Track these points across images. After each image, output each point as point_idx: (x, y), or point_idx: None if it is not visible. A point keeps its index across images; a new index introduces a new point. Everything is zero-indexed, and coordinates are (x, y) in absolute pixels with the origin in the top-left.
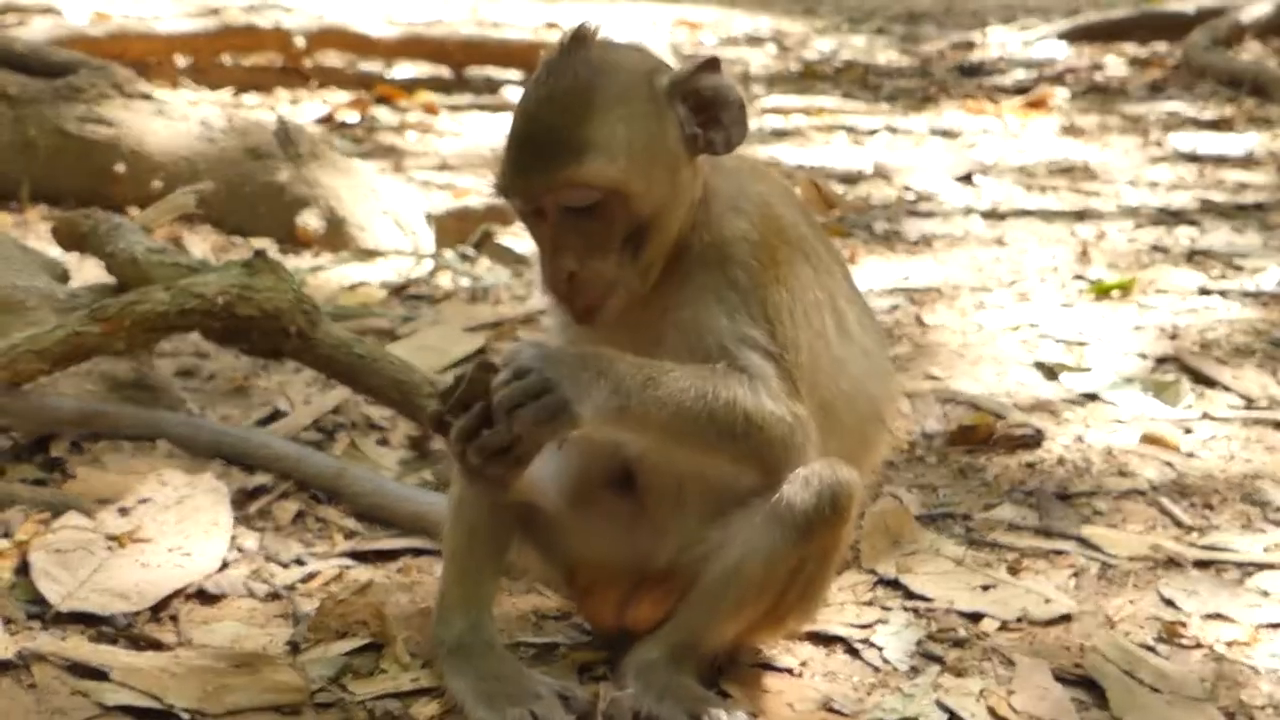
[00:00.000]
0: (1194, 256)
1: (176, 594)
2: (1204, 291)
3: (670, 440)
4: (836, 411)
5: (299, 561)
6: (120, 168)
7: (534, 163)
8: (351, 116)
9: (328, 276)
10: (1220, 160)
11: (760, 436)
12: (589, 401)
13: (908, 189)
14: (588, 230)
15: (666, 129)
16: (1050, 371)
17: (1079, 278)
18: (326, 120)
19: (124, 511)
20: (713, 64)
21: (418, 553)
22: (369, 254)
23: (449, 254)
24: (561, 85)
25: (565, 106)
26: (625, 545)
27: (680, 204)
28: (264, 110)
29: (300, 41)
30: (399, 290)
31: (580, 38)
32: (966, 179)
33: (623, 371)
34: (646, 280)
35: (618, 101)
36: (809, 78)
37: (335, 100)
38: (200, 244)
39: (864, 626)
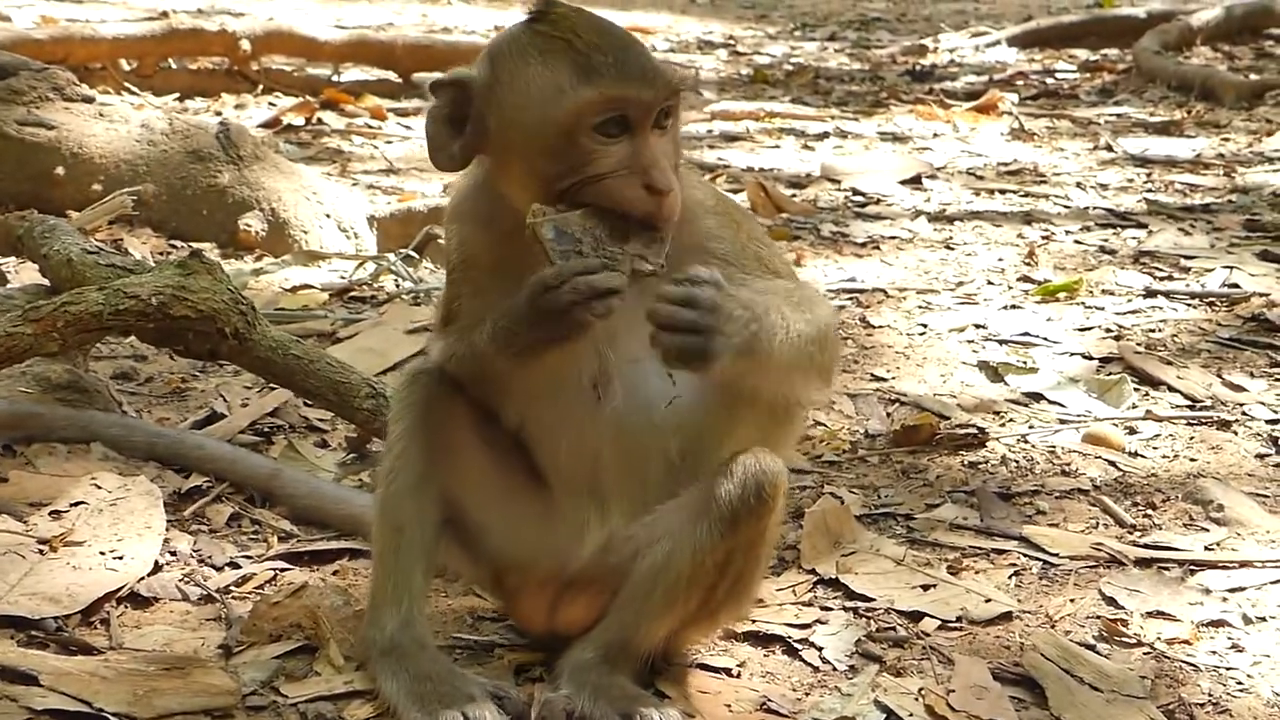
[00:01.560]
0: (1141, 258)
1: (108, 597)
2: (1150, 293)
3: (789, 373)
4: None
5: (233, 564)
6: (60, 171)
7: (651, 67)
8: (298, 120)
9: (270, 279)
10: (1169, 163)
11: (833, 346)
12: (732, 354)
13: (856, 192)
14: (665, 151)
15: None
16: (995, 372)
17: (1025, 279)
18: (273, 124)
19: (56, 515)
20: None
21: (353, 555)
22: (311, 257)
23: (391, 257)
24: (599, 19)
25: (631, 35)
26: (546, 546)
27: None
28: (210, 114)
29: (246, 45)
30: (341, 293)
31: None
32: (915, 182)
33: (770, 319)
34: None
35: None
36: (759, 82)
37: (282, 104)
38: (141, 247)
39: (803, 626)
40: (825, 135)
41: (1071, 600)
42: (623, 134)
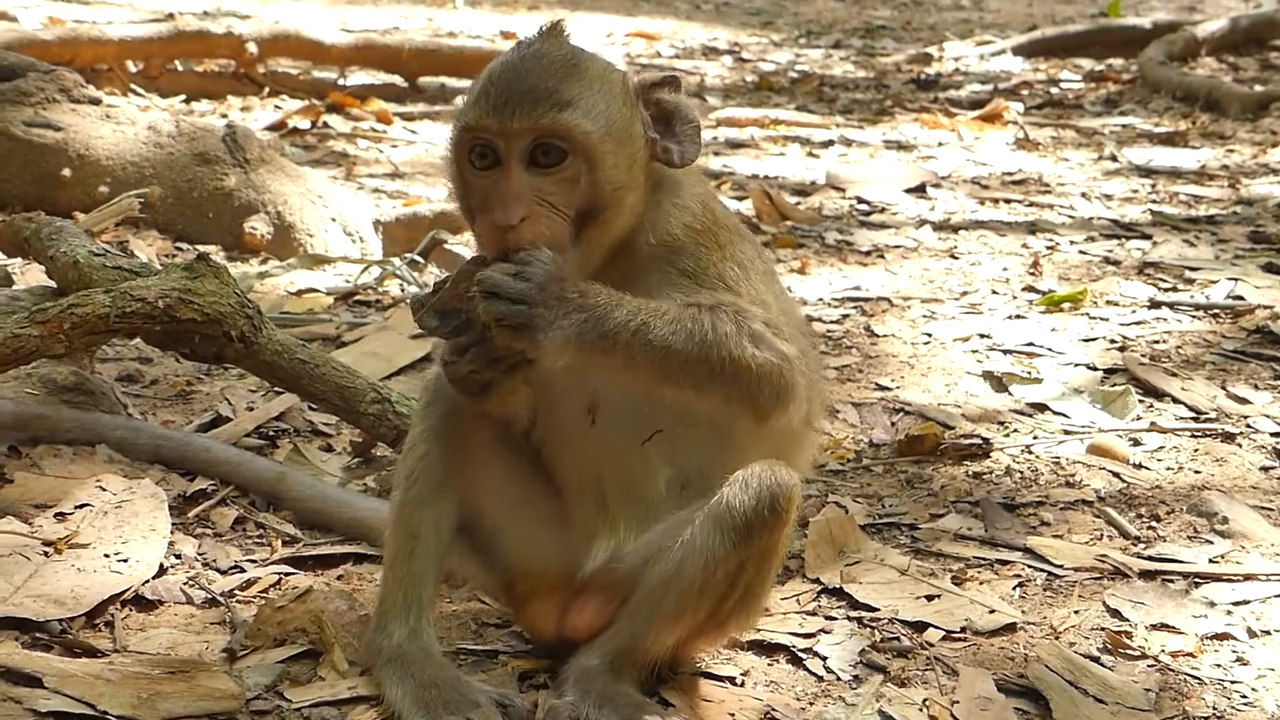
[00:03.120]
0: (1145, 269)
1: (112, 600)
2: (1154, 304)
3: (660, 380)
4: None
5: (238, 568)
6: (67, 172)
7: (517, 99)
8: (303, 124)
9: (275, 283)
10: (1173, 174)
11: (750, 376)
12: (558, 329)
13: (860, 200)
14: (544, 188)
15: (635, 121)
16: (999, 382)
17: (1030, 289)
18: (278, 127)
19: (61, 517)
20: (674, 82)
21: (358, 559)
22: (316, 260)
23: (397, 261)
24: (546, 49)
25: (552, 64)
26: (558, 554)
27: (632, 197)
28: (216, 117)
29: (253, 48)
30: (346, 297)
31: (556, 29)
32: (920, 191)
33: (608, 306)
34: (584, 266)
35: (598, 78)
36: (764, 90)
37: (287, 107)
38: (147, 249)
39: (807, 636)
40: (830, 143)
41: (1076, 612)
42: (494, 167)
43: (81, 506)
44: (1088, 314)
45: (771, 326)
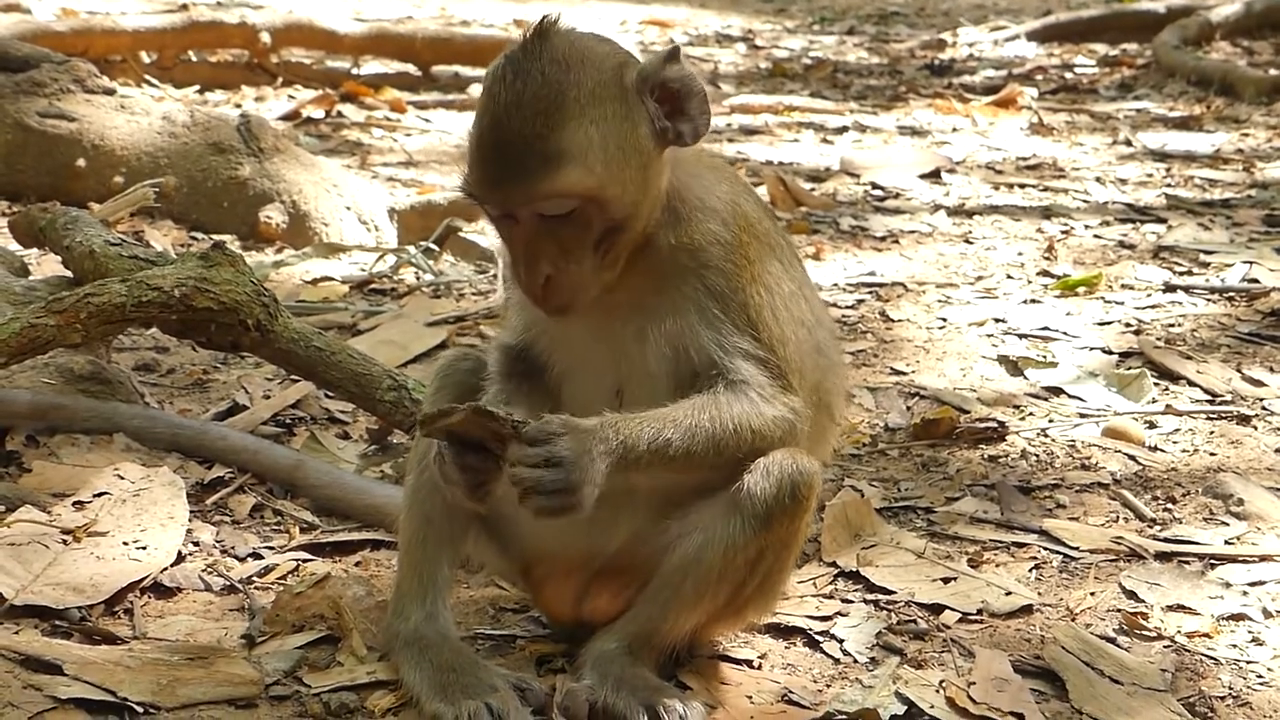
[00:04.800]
0: (1160, 253)
1: (131, 587)
2: (1170, 287)
3: (682, 472)
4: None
5: (255, 555)
6: (82, 163)
7: (508, 173)
8: (317, 113)
9: (290, 271)
10: (1188, 158)
11: (764, 444)
12: (596, 483)
13: (875, 186)
14: (562, 236)
15: (638, 125)
16: (1015, 366)
17: (1045, 274)
18: (292, 117)
19: (80, 505)
20: (674, 54)
21: (375, 546)
22: (332, 249)
23: (412, 249)
24: (530, 89)
25: (536, 112)
26: (578, 537)
27: (650, 199)
28: (230, 107)
29: (266, 38)
30: (361, 285)
31: (544, 32)
32: (934, 176)
33: (633, 437)
34: (614, 273)
35: (589, 102)
36: (778, 76)
37: (301, 97)
38: (162, 239)
39: (824, 619)
40: (844, 129)
41: (1092, 594)
42: (508, 218)
43: (100, 495)
44: (1103, 298)
45: (782, 380)
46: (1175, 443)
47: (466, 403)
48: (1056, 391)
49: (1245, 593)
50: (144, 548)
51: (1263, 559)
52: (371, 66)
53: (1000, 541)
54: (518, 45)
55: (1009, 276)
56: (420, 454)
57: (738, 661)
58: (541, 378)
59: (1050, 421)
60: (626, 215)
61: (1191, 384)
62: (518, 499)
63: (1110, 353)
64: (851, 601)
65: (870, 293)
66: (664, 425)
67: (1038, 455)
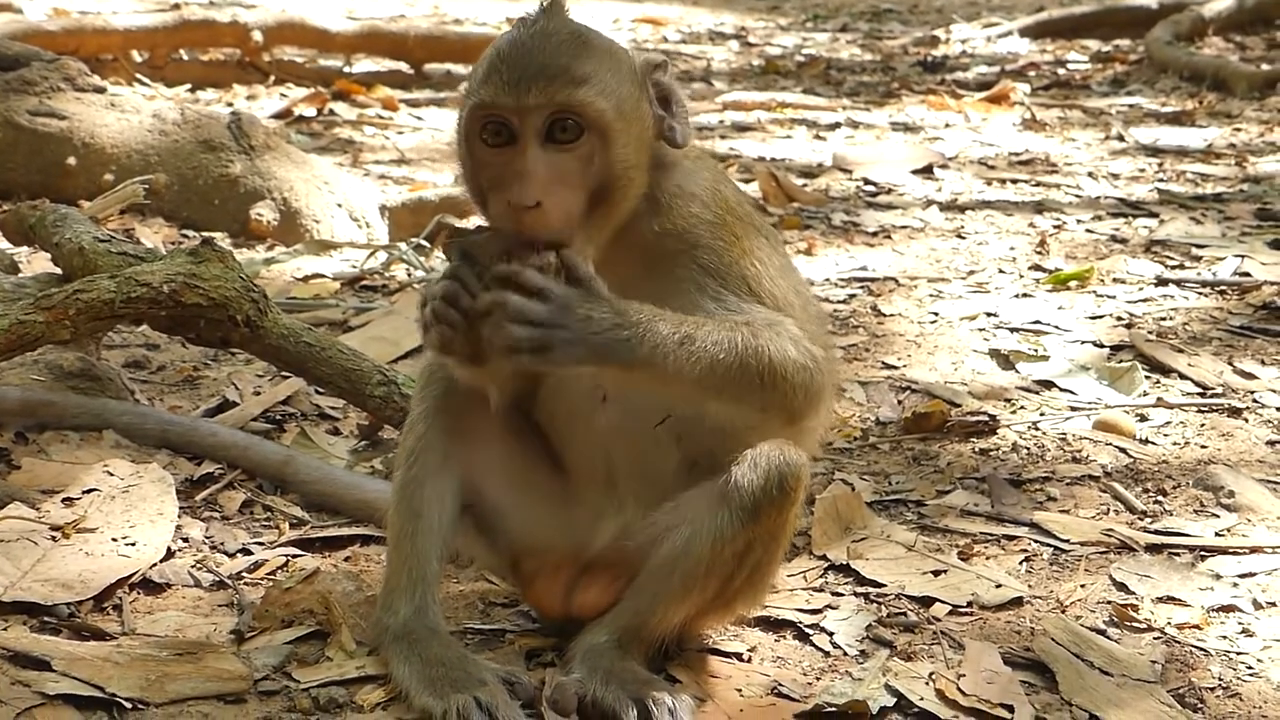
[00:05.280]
0: (1152, 247)
1: (120, 583)
2: (1161, 281)
3: (701, 392)
4: None
5: (245, 551)
6: (72, 161)
7: (533, 75)
8: (309, 111)
9: (281, 268)
10: (1180, 153)
11: (785, 385)
12: (580, 358)
13: (867, 182)
14: (560, 165)
15: (642, 99)
16: (1006, 360)
17: (1037, 268)
18: (284, 115)
19: (69, 501)
20: (664, 65)
21: (365, 541)
22: (323, 246)
23: (403, 246)
24: (554, 27)
25: (563, 41)
26: (564, 531)
27: (640, 177)
28: (221, 106)
29: (258, 36)
30: (352, 282)
31: (556, 5)
32: (927, 172)
33: (656, 332)
34: (599, 239)
35: (607, 55)
36: (771, 73)
37: (293, 95)
38: (153, 237)
39: (814, 612)
40: (837, 125)
41: (1082, 586)
42: (508, 144)
43: (89, 491)
44: (1094, 292)
45: (804, 330)
46: (1166, 435)
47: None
48: (1048, 385)
49: (1235, 584)
50: (133, 544)
51: (1253, 551)
52: (363, 65)
53: (991, 534)
54: (529, 14)
55: (1001, 271)
56: (409, 449)
57: (727, 654)
58: None
59: (1041, 415)
60: (621, 171)
61: (1183, 377)
62: (489, 314)
63: (1101, 346)
64: (842, 594)
65: (862, 287)
66: (691, 324)
67: (1029, 448)
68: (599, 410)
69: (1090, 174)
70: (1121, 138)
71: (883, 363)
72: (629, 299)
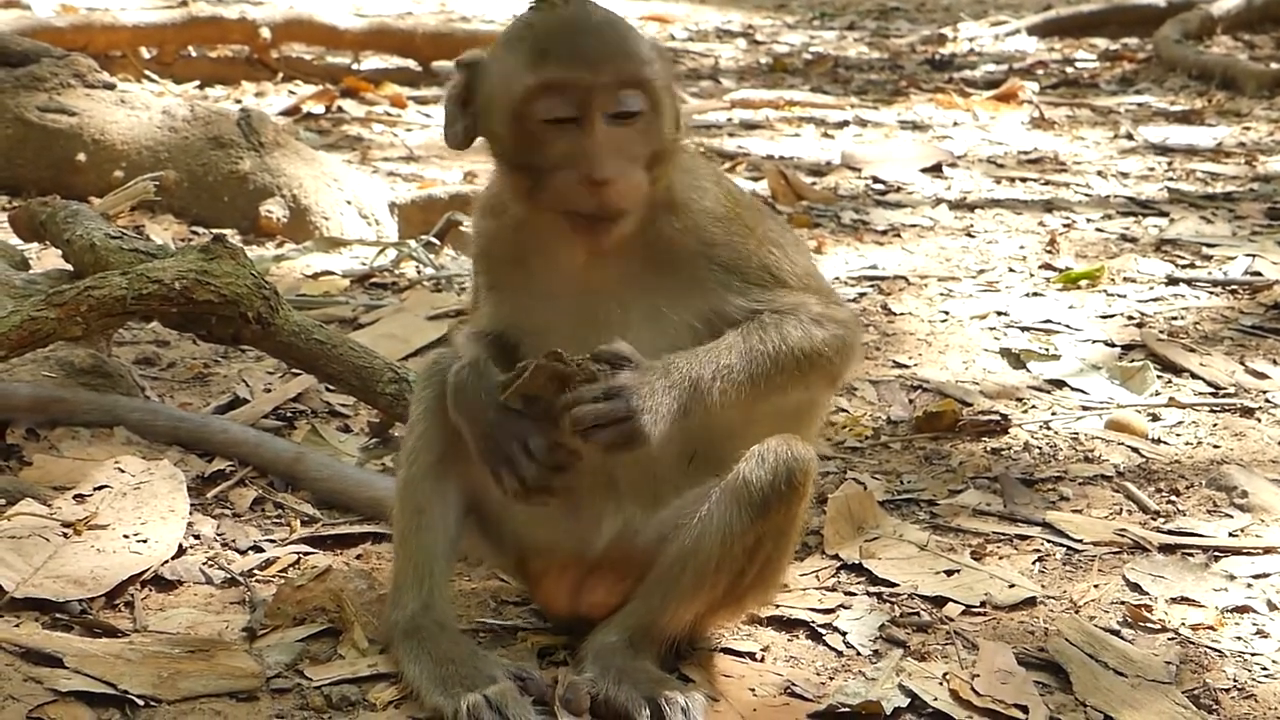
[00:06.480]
0: (1162, 246)
1: (132, 580)
2: (1172, 280)
3: (753, 401)
4: None
5: (256, 548)
6: (82, 157)
7: (602, 51)
8: (318, 108)
9: (291, 265)
10: (1190, 152)
11: (821, 361)
12: (664, 423)
13: (876, 180)
14: (624, 140)
15: (671, 79)
16: (1017, 359)
17: (1047, 267)
18: (292, 112)
19: (80, 498)
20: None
21: (377, 539)
22: (332, 243)
23: (412, 243)
24: (590, 8)
25: (606, 21)
26: (568, 531)
27: (669, 163)
28: (230, 103)
29: (267, 33)
30: (362, 279)
31: None
32: (936, 170)
33: (697, 376)
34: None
35: (647, 38)
36: (779, 71)
37: (302, 92)
38: (163, 233)
39: (827, 611)
40: (845, 124)
41: (1095, 586)
42: (571, 124)
43: (100, 488)
44: (1105, 291)
45: (825, 298)
46: (1178, 435)
47: (526, 361)
48: (1059, 384)
49: (1249, 585)
50: (145, 541)
51: (1266, 551)
52: (372, 62)
53: (1003, 534)
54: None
55: (1011, 270)
56: (410, 448)
57: (740, 654)
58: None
59: (1053, 414)
60: (670, 146)
61: (1194, 376)
62: (581, 438)
63: (1113, 345)
64: (854, 594)
65: (872, 286)
66: (720, 353)
67: (1040, 448)
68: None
69: (1099, 173)
70: (1130, 136)
71: (894, 361)
72: (642, 294)
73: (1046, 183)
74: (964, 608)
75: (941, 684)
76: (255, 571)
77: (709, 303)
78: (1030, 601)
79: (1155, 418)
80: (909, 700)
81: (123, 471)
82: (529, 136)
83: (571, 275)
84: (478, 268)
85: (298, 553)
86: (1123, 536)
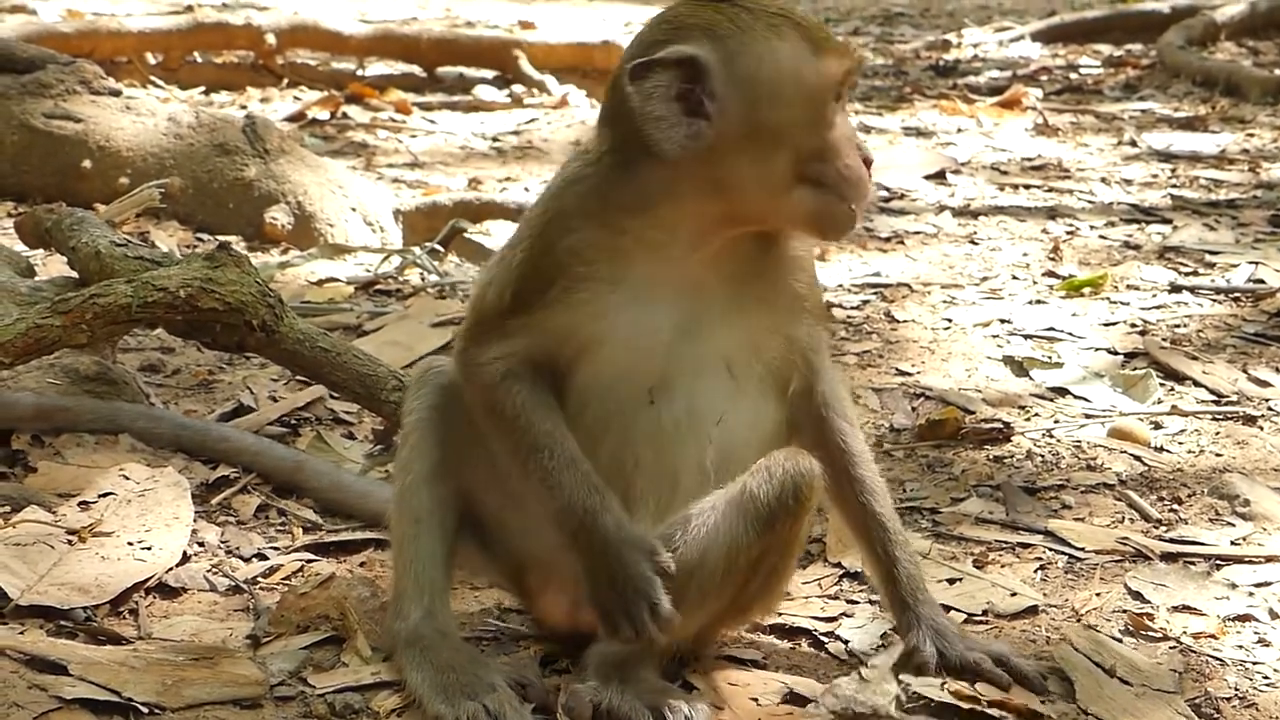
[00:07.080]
0: (1166, 253)
1: (136, 588)
2: (1175, 288)
3: None
4: None
5: (260, 555)
6: (87, 164)
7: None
8: (323, 114)
9: (296, 272)
10: (1193, 158)
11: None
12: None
13: (880, 187)
14: None
15: None
16: (1020, 367)
17: (1050, 274)
18: (298, 118)
19: (85, 505)
20: None
21: (380, 546)
22: (337, 250)
23: (417, 250)
24: None
25: None
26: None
27: None
28: (235, 108)
29: (272, 39)
30: (367, 286)
31: None
32: (939, 177)
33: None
34: None
35: None
36: None
37: (306, 98)
38: (168, 240)
39: (829, 619)
40: None
41: (1097, 594)
42: (833, 108)
43: (105, 495)
44: (1108, 298)
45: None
46: (1181, 443)
47: None
48: (1062, 392)
49: (1251, 594)
50: (149, 548)
51: (1269, 560)
52: (377, 68)
53: (1005, 542)
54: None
55: (1014, 277)
56: (405, 457)
57: (743, 662)
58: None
59: (1056, 422)
60: None
61: (1197, 384)
62: None
63: (1116, 353)
64: (856, 602)
65: (875, 293)
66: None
67: (1043, 456)
68: (643, 412)
69: (1103, 179)
70: (1134, 143)
71: (896, 369)
72: (735, 300)
73: (1050, 189)
74: (966, 616)
75: (942, 691)
76: (259, 579)
77: (780, 323)
78: (1032, 610)
79: (1158, 426)
80: (910, 708)
81: (127, 479)
82: (824, 119)
83: (674, 282)
84: (550, 272)
85: (301, 560)
86: (1125, 545)
